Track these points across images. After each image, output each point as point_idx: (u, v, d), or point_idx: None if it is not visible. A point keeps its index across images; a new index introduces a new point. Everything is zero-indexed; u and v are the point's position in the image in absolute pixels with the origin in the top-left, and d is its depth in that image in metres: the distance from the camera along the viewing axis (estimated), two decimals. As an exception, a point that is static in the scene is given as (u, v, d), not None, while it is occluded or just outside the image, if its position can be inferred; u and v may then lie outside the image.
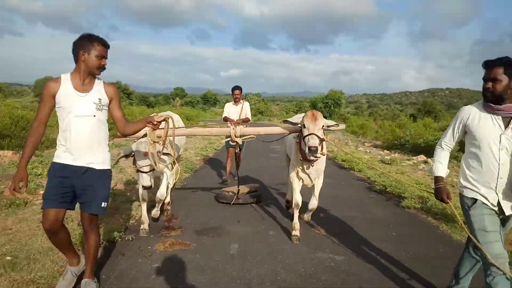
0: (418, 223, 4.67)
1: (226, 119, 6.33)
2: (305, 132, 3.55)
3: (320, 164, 4.00)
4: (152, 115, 3.22)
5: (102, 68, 2.62)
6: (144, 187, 3.76)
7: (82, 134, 2.55)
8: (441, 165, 2.62)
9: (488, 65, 2.36)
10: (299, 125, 3.78)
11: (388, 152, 12.83)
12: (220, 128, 5.13)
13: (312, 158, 3.69)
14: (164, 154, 3.70)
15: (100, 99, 2.63)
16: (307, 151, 3.50)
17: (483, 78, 2.38)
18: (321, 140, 3.55)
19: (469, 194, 2.45)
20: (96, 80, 2.67)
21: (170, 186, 4.68)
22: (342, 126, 4.10)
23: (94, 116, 2.58)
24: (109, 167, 2.74)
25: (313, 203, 4.21)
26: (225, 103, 7.07)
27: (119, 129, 2.85)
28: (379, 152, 12.59)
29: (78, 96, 2.55)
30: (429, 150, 11.68)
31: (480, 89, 2.42)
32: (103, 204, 2.67)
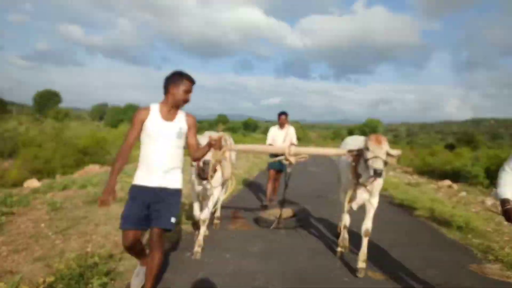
0: (425, 228, 6.04)
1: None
2: (370, 155, 3.53)
3: (376, 184, 3.94)
4: (205, 133, 3.93)
5: (186, 101, 2.89)
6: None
7: (162, 157, 2.78)
8: (505, 187, 2.65)
9: None
10: (358, 148, 3.80)
11: (417, 177, 13.91)
12: (274, 146, 5.69)
13: (370, 182, 3.75)
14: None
15: (181, 128, 2.88)
16: (371, 173, 3.47)
17: None
18: (385, 164, 3.54)
19: None
20: (180, 110, 2.94)
21: (221, 201, 5.16)
22: (398, 152, 3.79)
23: (175, 142, 2.84)
24: (181, 187, 2.95)
25: (367, 225, 4.02)
26: (269, 128, 7.03)
27: (191, 154, 3.07)
28: (408, 177, 13.72)
29: (164, 124, 2.80)
30: (455, 176, 12.72)
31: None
32: (172, 220, 2.81)
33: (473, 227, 5.59)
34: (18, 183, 8.45)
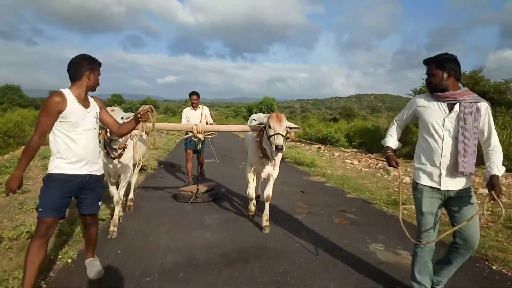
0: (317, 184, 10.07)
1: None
2: (271, 132, 3.89)
3: (277, 158, 4.43)
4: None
5: (98, 85, 2.95)
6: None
7: (89, 145, 2.81)
8: (391, 137, 3.07)
9: (425, 63, 2.78)
10: (261, 125, 4.17)
11: (299, 143, 18.57)
12: (184, 124, 5.86)
13: (273, 156, 4.15)
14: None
15: (96, 112, 2.92)
16: (273, 149, 3.84)
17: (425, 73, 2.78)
18: (286, 139, 3.92)
19: (418, 179, 2.82)
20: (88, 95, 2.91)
21: (133, 184, 5.26)
22: (297, 127, 4.23)
23: (95, 128, 2.89)
24: (103, 172, 3.10)
25: (268, 191, 4.57)
26: (182, 109, 7.31)
27: (115, 132, 3.14)
28: (292, 144, 18.31)
29: (85, 112, 2.78)
30: (323, 141, 17.60)
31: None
32: (99, 203, 3.08)
33: (315, 164, 9.86)
34: None
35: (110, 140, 3.87)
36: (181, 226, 4.57)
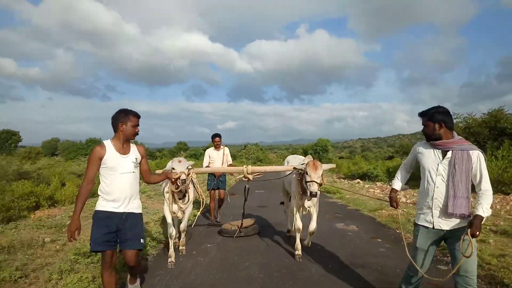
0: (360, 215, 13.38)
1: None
2: (308, 178, 4.45)
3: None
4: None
5: (136, 134, 3.41)
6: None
7: (125, 186, 3.29)
8: (397, 180, 3.46)
9: (419, 115, 3.16)
10: (302, 167, 4.73)
11: (343, 180, 21.67)
12: (234, 166, 6.61)
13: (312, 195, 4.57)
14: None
15: (136, 159, 3.42)
16: (308, 193, 4.45)
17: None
18: (320, 185, 4.49)
19: (417, 220, 3.20)
20: (130, 143, 3.46)
21: (185, 224, 5.34)
22: (332, 165, 5.41)
23: (133, 172, 3.37)
24: (141, 212, 3.50)
25: (313, 226, 5.14)
26: (206, 150, 7.82)
27: (145, 179, 3.70)
28: (335, 179, 21.46)
29: (121, 158, 3.30)
30: (363, 177, 20.57)
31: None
32: (142, 241, 3.41)
33: (340, 192, 13.08)
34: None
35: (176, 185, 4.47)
36: (227, 262, 5.12)
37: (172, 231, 4.97)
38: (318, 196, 4.69)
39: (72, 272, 4.45)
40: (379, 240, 6.36)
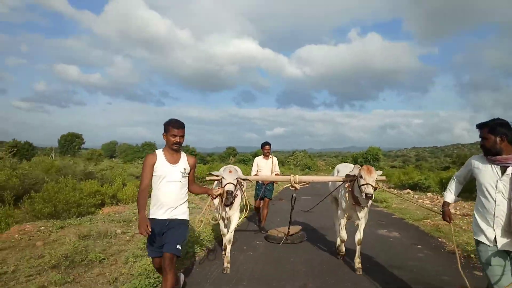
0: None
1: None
2: (362, 182, 4.51)
3: (368, 206, 4.95)
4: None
5: (178, 143, 3.50)
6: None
7: (171, 194, 3.45)
8: (450, 192, 3.39)
9: (478, 127, 3.01)
10: (353, 175, 4.82)
11: (393, 190, 21.51)
12: (282, 176, 6.61)
13: (364, 204, 4.73)
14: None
15: (185, 169, 3.56)
16: (363, 197, 4.49)
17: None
18: (375, 189, 4.52)
19: (475, 235, 3.03)
20: (182, 153, 3.61)
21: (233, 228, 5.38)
22: (382, 177, 5.04)
23: (180, 181, 3.51)
24: (188, 219, 3.59)
25: (359, 236, 5.12)
26: (255, 158, 7.93)
27: (188, 188, 3.71)
28: (384, 189, 21.34)
29: (170, 167, 3.47)
30: (413, 187, 20.33)
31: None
32: (178, 246, 3.40)
33: (387, 201, 13.22)
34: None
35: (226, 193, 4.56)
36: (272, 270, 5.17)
37: (223, 229, 5.26)
38: (370, 202, 4.80)
39: (144, 257, 5.25)
40: (419, 246, 6.65)
